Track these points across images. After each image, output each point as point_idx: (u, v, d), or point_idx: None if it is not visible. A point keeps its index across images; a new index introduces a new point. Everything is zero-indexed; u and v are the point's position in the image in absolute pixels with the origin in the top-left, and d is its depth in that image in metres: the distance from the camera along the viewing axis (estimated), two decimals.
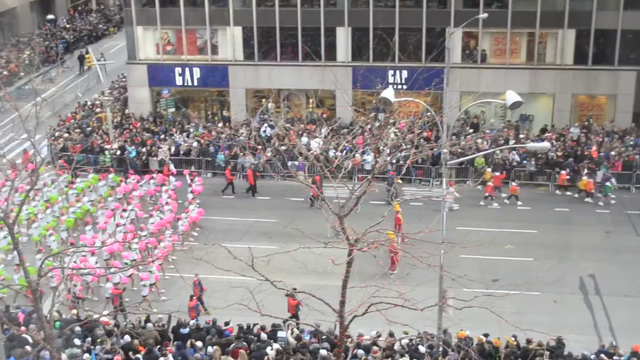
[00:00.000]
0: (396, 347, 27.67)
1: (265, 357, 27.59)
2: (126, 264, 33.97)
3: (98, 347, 28.11)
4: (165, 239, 36.68)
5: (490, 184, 43.70)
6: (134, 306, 29.26)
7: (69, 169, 42.46)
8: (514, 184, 44.08)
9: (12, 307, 31.74)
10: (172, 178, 44.25)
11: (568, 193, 44.71)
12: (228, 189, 45.60)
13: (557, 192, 45.14)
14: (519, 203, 43.48)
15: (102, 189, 43.97)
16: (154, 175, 45.04)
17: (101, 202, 42.29)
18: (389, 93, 25.36)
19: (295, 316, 30.43)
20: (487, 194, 43.52)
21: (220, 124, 52.61)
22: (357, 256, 19.30)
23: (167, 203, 41.02)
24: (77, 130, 52.37)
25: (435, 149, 40.28)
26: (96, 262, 33.89)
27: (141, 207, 41.71)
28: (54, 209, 40.69)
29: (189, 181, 44.06)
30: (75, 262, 32.76)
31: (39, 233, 38.05)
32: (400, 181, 43.87)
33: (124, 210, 39.93)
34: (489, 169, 44.73)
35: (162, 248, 36.09)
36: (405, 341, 27.35)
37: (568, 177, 44.77)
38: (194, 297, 32.28)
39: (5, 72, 64.94)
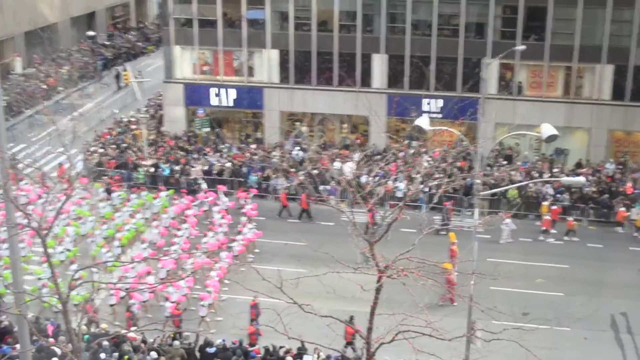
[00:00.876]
0: None
1: None
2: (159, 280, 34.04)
3: None
4: (220, 259, 36.73)
5: (547, 217, 43.49)
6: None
7: (120, 185, 43.04)
8: (570, 218, 43.68)
9: (42, 318, 32.02)
10: (224, 198, 44.12)
11: (620, 230, 44.28)
12: (284, 213, 45.57)
13: (591, 228, 44.76)
14: (575, 239, 43.02)
15: (157, 206, 44.02)
16: (206, 195, 44.96)
17: (156, 219, 42.42)
18: (423, 121, 25.39)
19: (350, 343, 30.28)
20: (544, 228, 43.33)
21: (253, 146, 52.87)
22: (386, 283, 19.26)
23: (220, 224, 40.96)
24: (113, 146, 52.89)
25: (468, 179, 40.19)
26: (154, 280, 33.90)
27: (195, 226, 41.68)
28: (109, 224, 40.91)
29: (241, 202, 44.04)
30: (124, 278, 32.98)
31: (94, 249, 38.14)
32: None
33: (178, 229, 40.12)
34: (546, 203, 44.46)
35: (216, 269, 35.99)
36: None
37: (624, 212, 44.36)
38: (253, 322, 31.74)
39: (45, 86, 65.84)
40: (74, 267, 34.28)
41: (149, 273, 34.67)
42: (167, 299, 32.89)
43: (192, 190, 46.64)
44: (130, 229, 40.58)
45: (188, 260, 35.69)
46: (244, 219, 42.03)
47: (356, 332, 28.27)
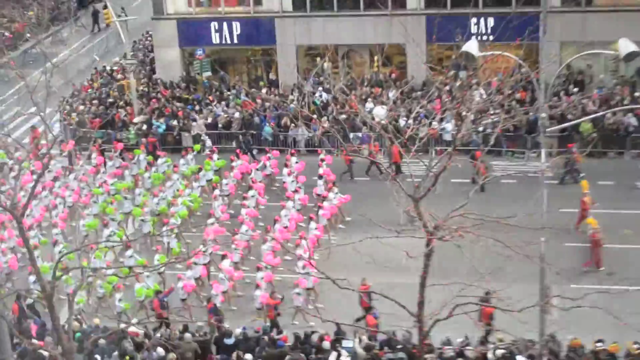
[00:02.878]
0: (489, 357, 27.52)
1: None
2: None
3: None
4: (310, 230, 36.25)
5: None
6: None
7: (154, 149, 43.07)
8: None
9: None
10: (293, 159, 43.25)
11: None
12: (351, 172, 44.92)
13: None
14: None
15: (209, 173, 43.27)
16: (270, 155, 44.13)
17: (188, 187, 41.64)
18: (471, 46, 25.15)
19: (489, 324, 30.36)
20: None
21: (265, 90, 52.74)
22: (438, 248, 19.21)
23: (296, 190, 40.13)
24: (95, 101, 52.98)
25: (530, 113, 39.80)
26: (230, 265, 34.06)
27: (263, 193, 41.23)
28: (161, 198, 40.09)
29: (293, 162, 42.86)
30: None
31: (149, 228, 37.91)
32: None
33: (244, 197, 39.68)
34: None
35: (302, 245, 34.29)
36: (500, 351, 27.19)
37: None
38: (371, 310, 30.44)
39: (8, 34, 65.96)
40: (129, 252, 34.56)
41: (224, 257, 34.27)
42: (257, 286, 32.56)
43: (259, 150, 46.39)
44: (184, 202, 39.66)
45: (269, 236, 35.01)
46: (320, 181, 41.10)
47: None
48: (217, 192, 40.28)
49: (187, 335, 29.86)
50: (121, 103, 52.92)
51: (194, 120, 49.40)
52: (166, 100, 52.59)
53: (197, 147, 46.73)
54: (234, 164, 42.98)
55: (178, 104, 51.77)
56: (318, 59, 54.69)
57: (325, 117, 45.84)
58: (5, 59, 52.34)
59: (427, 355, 24.89)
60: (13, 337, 24.02)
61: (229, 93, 53.21)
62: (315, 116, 42.48)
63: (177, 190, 40.78)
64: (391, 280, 29.59)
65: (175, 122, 49.60)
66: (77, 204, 40.70)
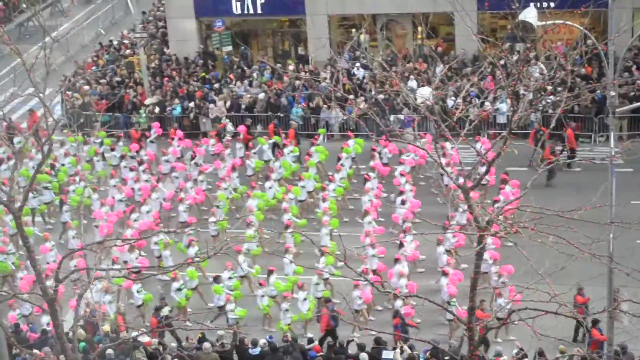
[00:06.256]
0: None
1: None
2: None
3: None
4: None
5: None
6: None
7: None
8: None
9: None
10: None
11: None
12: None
13: None
14: None
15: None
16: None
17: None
18: (530, 15, 25.11)
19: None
20: None
21: (293, 67, 52.85)
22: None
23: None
24: (101, 80, 53.29)
25: (598, 91, 39.66)
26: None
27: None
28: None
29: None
30: None
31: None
32: None
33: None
34: None
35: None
36: None
37: None
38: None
39: (1, 5, 66.38)
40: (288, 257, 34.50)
41: (396, 260, 33.51)
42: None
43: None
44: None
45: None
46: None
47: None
48: (369, 185, 39.81)
49: (206, 344, 30.10)
50: (130, 82, 53.22)
51: (213, 102, 49.56)
52: (181, 79, 52.80)
53: (322, 130, 46.65)
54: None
55: (195, 84, 51.98)
56: (354, 30, 54.73)
57: (362, 98, 45.92)
58: None
59: None
60: (12, 348, 24.33)
61: (251, 70, 53.35)
62: (350, 96, 42.62)
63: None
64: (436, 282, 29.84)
65: (191, 104, 49.80)
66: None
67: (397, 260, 32.88)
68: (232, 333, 30.28)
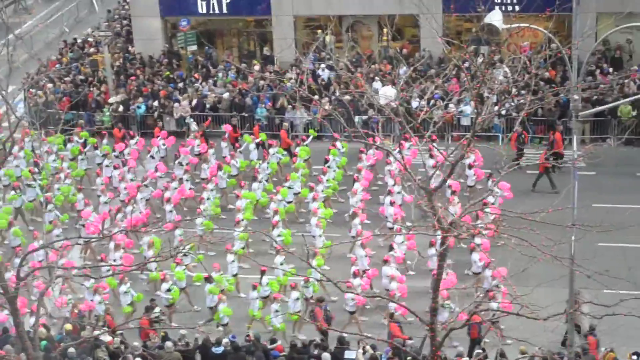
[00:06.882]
0: None
1: None
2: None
3: None
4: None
5: None
6: None
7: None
8: None
9: None
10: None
11: None
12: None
13: None
14: None
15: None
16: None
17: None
18: (495, 18, 25.23)
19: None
20: None
21: (259, 67, 52.82)
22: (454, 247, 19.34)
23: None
24: (65, 78, 53.06)
25: (561, 95, 39.93)
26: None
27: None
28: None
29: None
30: None
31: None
32: None
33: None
34: None
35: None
36: None
37: None
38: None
39: None
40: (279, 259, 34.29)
41: (385, 262, 33.03)
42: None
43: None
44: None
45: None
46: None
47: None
48: (357, 186, 39.70)
49: (168, 343, 30.03)
50: (94, 81, 53.01)
51: (177, 101, 49.42)
52: (145, 78, 52.65)
53: (313, 132, 46.37)
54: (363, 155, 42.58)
55: (159, 83, 51.82)
56: (319, 31, 54.73)
57: (327, 98, 45.98)
58: None
59: None
60: None
61: (216, 70, 53.30)
62: (315, 97, 42.70)
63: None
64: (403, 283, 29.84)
65: (155, 103, 49.66)
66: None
67: (385, 262, 32.94)
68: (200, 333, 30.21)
